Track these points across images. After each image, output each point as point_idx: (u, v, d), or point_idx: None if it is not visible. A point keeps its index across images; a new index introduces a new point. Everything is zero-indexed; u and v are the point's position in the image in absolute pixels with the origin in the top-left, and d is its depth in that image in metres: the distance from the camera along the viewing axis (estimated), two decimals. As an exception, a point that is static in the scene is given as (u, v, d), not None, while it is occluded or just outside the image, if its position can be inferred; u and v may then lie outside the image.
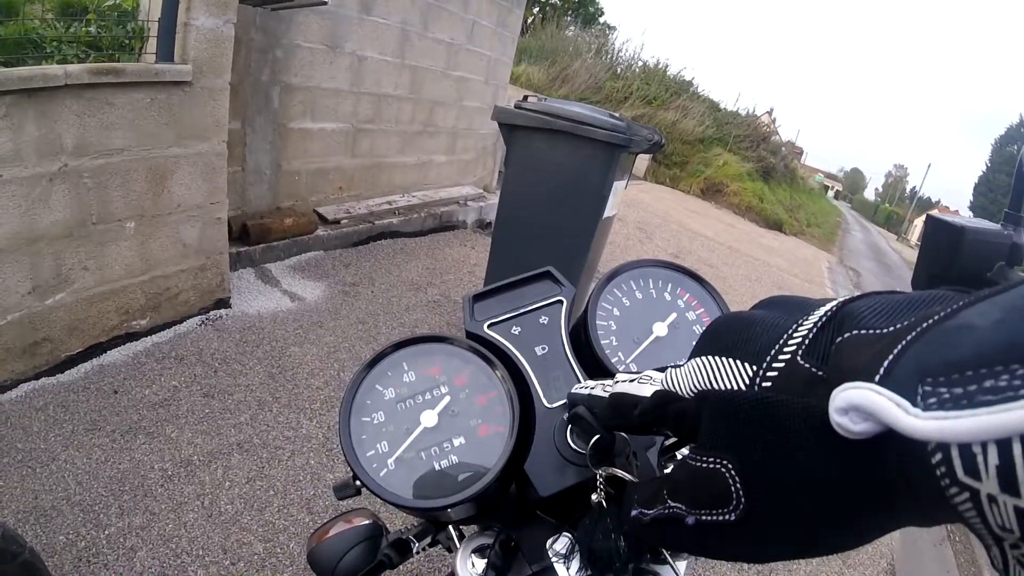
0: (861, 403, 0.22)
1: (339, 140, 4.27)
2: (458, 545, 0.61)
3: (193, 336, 2.83)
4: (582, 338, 0.63)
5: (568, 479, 0.52)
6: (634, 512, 0.37)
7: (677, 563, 0.53)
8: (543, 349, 0.61)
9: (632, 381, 0.41)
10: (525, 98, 3.04)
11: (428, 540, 0.65)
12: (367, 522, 0.66)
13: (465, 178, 6.02)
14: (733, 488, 0.28)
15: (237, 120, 3.36)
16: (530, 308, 0.64)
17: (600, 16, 27.89)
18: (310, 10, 3.52)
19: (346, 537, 0.64)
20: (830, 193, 54.71)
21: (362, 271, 3.95)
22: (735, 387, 0.32)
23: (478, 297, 0.67)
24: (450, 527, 0.66)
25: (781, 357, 0.30)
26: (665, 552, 0.53)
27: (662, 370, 0.39)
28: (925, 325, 0.23)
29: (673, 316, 0.64)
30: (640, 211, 8.71)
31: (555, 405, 0.57)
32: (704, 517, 0.30)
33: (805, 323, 0.30)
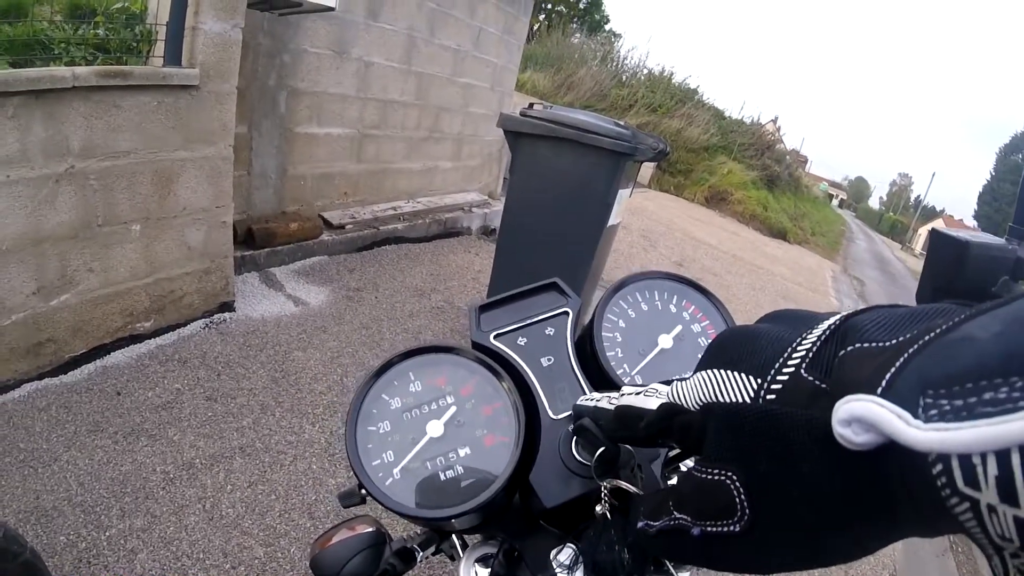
0: (863, 415, 0.22)
1: (345, 145, 4.28)
2: (461, 554, 0.61)
3: (197, 339, 2.84)
4: (587, 349, 0.63)
5: (573, 490, 0.52)
6: (640, 523, 0.37)
7: (680, 575, 0.53)
8: (549, 360, 0.61)
9: (638, 394, 0.41)
10: (531, 106, 3.05)
11: (432, 549, 0.65)
12: (371, 529, 0.66)
13: (470, 184, 6.03)
14: (738, 499, 0.29)
15: (243, 124, 3.38)
16: (536, 319, 0.64)
17: (606, 23, 28.03)
18: (317, 15, 3.54)
19: (349, 544, 0.64)
20: (834, 202, 54.74)
21: (366, 276, 3.96)
22: (740, 400, 0.32)
23: (484, 308, 0.67)
24: (454, 536, 0.66)
25: (785, 370, 0.30)
26: (668, 564, 0.53)
27: (668, 383, 0.39)
28: (927, 338, 0.23)
29: (678, 328, 0.64)
30: (644, 219, 8.71)
31: (560, 416, 0.57)
32: (709, 528, 0.31)
33: (809, 336, 0.30)
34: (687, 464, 0.58)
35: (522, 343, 0.62)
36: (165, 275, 2.70)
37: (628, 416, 0.41)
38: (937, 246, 0.83)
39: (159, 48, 2.47)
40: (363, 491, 0.55)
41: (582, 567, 0.49)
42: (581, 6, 27.31)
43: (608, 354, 0.62)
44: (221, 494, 2.03)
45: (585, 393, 0.58)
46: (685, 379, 0.37)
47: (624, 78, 15.38)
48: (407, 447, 0.56)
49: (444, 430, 0.56)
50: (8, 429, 2.08)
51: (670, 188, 13.30)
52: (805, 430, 0.26)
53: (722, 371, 0.34)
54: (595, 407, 0.47)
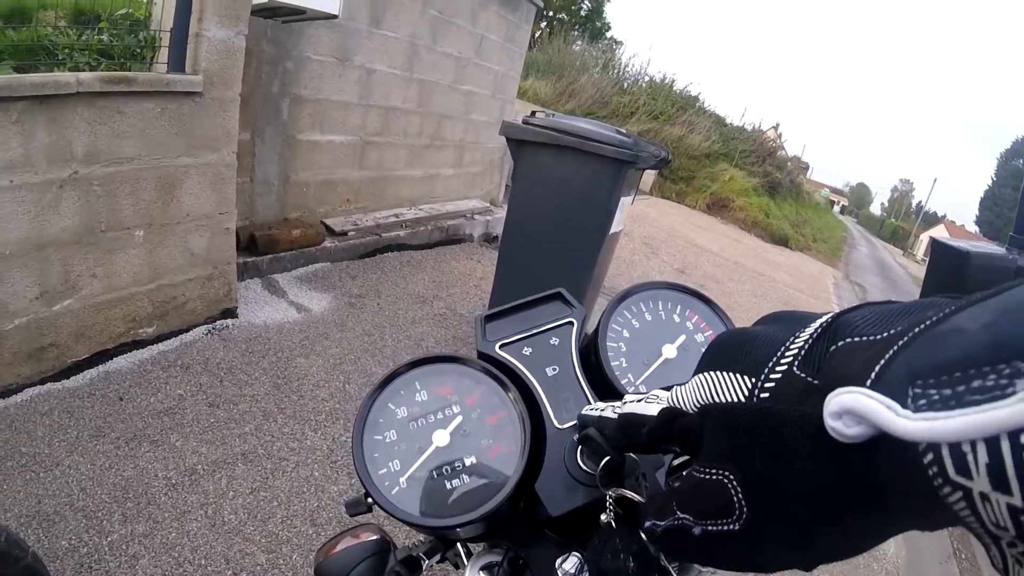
0: (853, 407, 0.22)
1: (347, 152, 4.29)
2: (466, 563, 0.61)
3: (199, 345, 2.84)
4: (592, 359, 0.63)
5: (578, 499, 0.53)
6: (648, 523, 0.37)
7: None
8: (554, 370, 0.61)
9: (640, 401, 0.42)
10: (533, 113, 3.06)
11: (437, 557, 0.65)
12: (375, 537, 0.66)
13: (472, 191, 6.05)
14: (735, 498, 0.29)
15: (247, 131, 3.39)
16: (541, 329, 0.65)
17: (607, 31, 28.11)
18: (320, 23, 3.56)
19: (354, 552, 0.64)
20: (836, 208, 54.74)
21: (368, 283, 3.97)
22: (735, 399, 0.32)
23: (489, 318, 0.67)
24: (459, 544, 0.66)
25: (778, 368, 0.31)
26: (672, 572, 0.53)
27: (668, 388, 0.40)
28: (917, 330, 0.23)
29: (682, 338, 0.65)
30: (646, 226, 8.72)
31: (566, 426, 0.57)
32: (710, 527, 0.31)
33: (801, 335, 0.31)
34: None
35: (527, 353, 0.63)
36: (168, 281, 2.71)
37: (631, 424, 0.42)
38: (938, 256, 0.83)
39: (163, 54, 2.48)
40: (369, 500, 0.55)
41: (587, 575, 0.49)
42: (583, 14, 27.41)
43: (612, 364, 0.62)
44: (223, 500, 2.03)
45: (590, 402, 0.58)
46: (684, 384, 0.38)
47: (625, 85, 15.41)
48: (413, 456, 0.56)
49: (450, 439, 0.57)
50: (10, 433, 2.08)
51: (672, 195, 13.31)
52: (798, 426, 0.27)
53: (718, 372, 0.34)
54: (599, 417, 0.48)
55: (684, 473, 0.35)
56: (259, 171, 3.64)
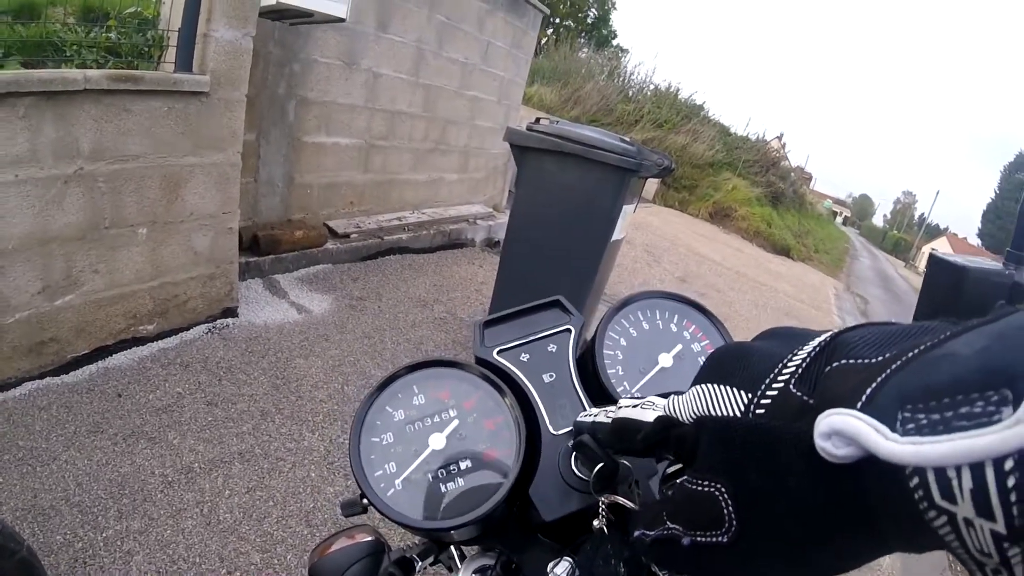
0: (842, 428, 0.23)
1: (352, 155, 4.31)
2: (460, 565, 0.62)
3: (199, 344, 2.85)
4: (589, 367, 0.64)
5: (571, 505, 0.53)
6: (637, 533, 0.38)
7: None
8: (551, 377, 0.62)
9: (635, 407, 0.42)
10: (537, 120, 3.07)
11: (431, 559, 0.65)
12: (369, 538, 0.67)
13: (475, 196, 6.06)
14: (726, 511, 0.29)
15: (252, 132, 3.40)
16: (539, 336, 0.65)
17: (613, 38, 28.19)
18: (328, 26, 3.57)
19: (348, 553, 0.64)
20: (838, 219, 54.70)
21: (370, 286, 3.97)
22: (731, 414, 0.32)
23: (488, 323, 0.68)
24: (452, 547, 0.66)
25: (775, 385, 0.31)
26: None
27: (665, 396, 0.40)
28: (911, 354, 0.23)
29: (679, 348, 0.65)
30: (648, 234, 8.72)
31: (561, 432, 0.57)
32: (699, 538, 0.31)
33: (800, 353, 0.31)
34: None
35: (525, 359, 0.63)
36: (170, 279, 2.72)
37: (626, 428, 0.42)
38: (935, 271, 0.83)
39: (171, 54, 2.50)
40: (365, 501, 0.55)
41: None
42: (589, 21, 27.49)
43: (609, 372, 0.63)
44: (219, 499, 2.03)
45: (586, 409, 0.59)
46: (681, 393, 0.38)
47: (630, 93, 15.45)
48: (409, 459, 0.56)
49: (446, 443, 0.57)
50: (8, 427, 2.09)
51: (675, 203, 13.31)
52: (792, 444, 0.27)
53: (715, 385, 0.34)
54: (593, 422, 0.48)
55: (677, 483, 0.36)
56: (263, 172, 3.66)
